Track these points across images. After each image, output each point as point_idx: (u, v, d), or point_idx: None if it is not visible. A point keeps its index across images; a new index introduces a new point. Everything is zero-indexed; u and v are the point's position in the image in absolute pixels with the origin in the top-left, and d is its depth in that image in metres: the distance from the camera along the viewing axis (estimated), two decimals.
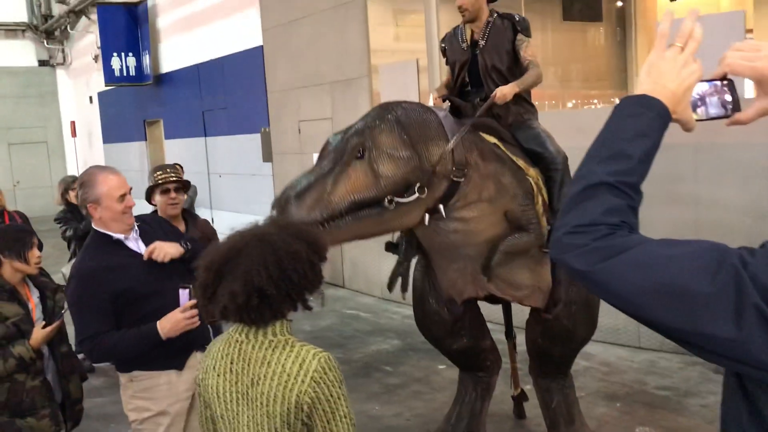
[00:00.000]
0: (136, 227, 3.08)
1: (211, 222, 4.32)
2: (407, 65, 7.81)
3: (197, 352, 3.07)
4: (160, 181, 4.01)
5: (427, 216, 3.30)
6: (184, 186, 4.12)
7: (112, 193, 2.94)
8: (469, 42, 3.83)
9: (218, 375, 2.02)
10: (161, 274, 2.99)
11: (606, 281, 1.10)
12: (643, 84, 1.24)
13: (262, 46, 10.14)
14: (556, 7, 10.79)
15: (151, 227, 3.17)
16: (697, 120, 1.27)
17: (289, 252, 1.96)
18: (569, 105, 10.17)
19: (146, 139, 15.16)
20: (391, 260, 8.30)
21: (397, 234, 3.89)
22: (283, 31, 9.55)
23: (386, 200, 3.06)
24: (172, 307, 2.91)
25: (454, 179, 3.23)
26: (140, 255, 2.99)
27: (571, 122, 5.97)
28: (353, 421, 1.97)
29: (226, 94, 11.52)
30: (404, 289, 4.07)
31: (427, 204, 3.23)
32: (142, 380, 3.02)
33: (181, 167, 4.52)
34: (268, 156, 10.25)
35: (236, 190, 11.16)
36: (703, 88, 1.25)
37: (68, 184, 6.10)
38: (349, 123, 8.71)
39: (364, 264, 8.55)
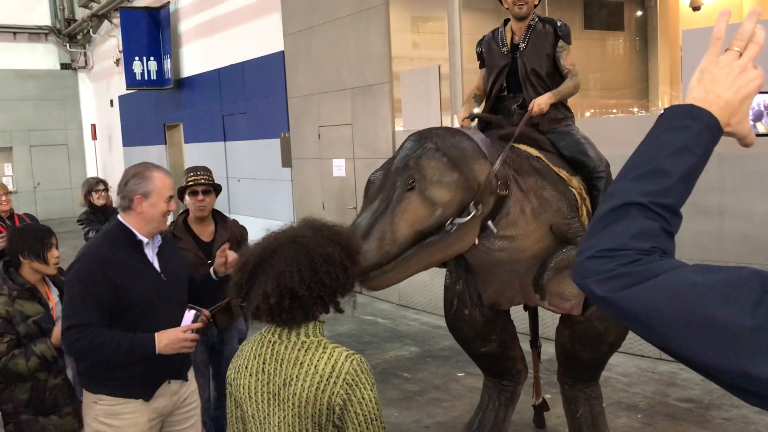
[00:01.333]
0: (159, 237, 3.02)
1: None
2: (429, 71, 7.81)
3: (170, 382, 3.00)
4: (190, 183, 4.08)
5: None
6: (214, 189, 4.14)
7: (162, 192, 2.90)
8: (509, 46, 3.83)
9: (250, 375, 2.03)
10: (164, 293, 2.92)
11: (632, 310, 0.98)
12: (692, 92, 1.10)
13: (283, 52, 10.20)
14: (577, 15, 10.78)
15: (166, 244, 3.09)
16: (759, 135, 1.15)
17: (322, 254, 1.96)
18: (587, 115, 10.13)
19: (166, 143, 15.27)
20: None
21: None
22: (304, 37, 9.60)
23: (447, 224, 3.08)
24: (167, 327, 2.82)
25: (500, 193, 3.24)
26: (152, 265, 2.93)
27: (591, 131, 5.95)
28: (384, 424, 1.97)
29: (247, 98, 11.59)
30: (464, 306, 4.02)
31: (481, 219, 3.25)
32: (107, 405, 2.88)
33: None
34: (287, 161, 10.29)
35: (255, 194, 11.21)
36: (765, 98, 1.15)
37: (92, 185, 6.14)
38: (369, 129, 8.77)
39: None
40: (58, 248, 3.47)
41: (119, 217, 2.96)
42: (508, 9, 3.83)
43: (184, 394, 3.09)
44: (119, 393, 2.87)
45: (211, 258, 3.80)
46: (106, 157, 19.09)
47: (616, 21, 12.39)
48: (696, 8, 11.70)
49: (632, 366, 5.68)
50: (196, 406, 3.19)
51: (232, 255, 3.10)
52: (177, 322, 2.86)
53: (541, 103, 3.56)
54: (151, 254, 2.95)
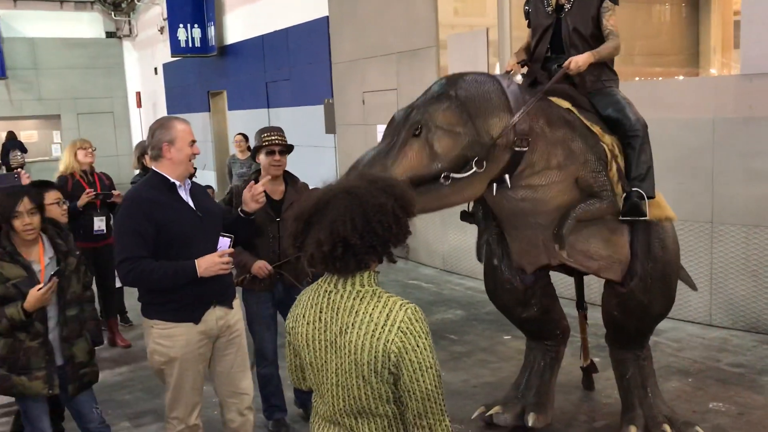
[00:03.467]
0: (189, 181, 3.36)
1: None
2: (476, 35, 7.70)
3: (216, 306, 3.31)
4: (265, 143, 4.15)
5: (494, 186, 3.31)
6: (288, 149, 4.25)
7: (185, 137, 3.24)
8: (554, 6, 3.77)
9: (308, 323, 2.05)
10: (201, 227, 3.26)
11: None
12: None
13: (327, 17, 10.15)
14: None
15: (197, 188, 3.44)
16: None
17: (375, 204, 1.97)
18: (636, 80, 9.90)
19: (210, 110, 15.40)
20: (453, 231, 8.30)
21: (471, 203, 3.87)
22: (349, 1, 9.53)
23: (442, 177, 3.09)
24: (205, 255, 3.18)
25: (517, 149, 3.21)
26: (187, 203, 3.28)
27: (635, 95, 5.82)
28: (439, 372, 1.98)
29: (290, 65, 11.59)
30: (479, 258, 4.09)
31: (489, 176, 3.24)
32: (161, 329, 3.24)
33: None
34: (331, 127, 10.29)
35: (298, 161, 11.17)
36: None
37: (144, 148, 6.28)
38: (414, 95, 8.68)
39: (425, 235, 8.54)
40: (41, 211, 3.38)
41: (153, 166, 3.33)
42: None
43: (230, 320, 3.40)
44: (170, 318, 3.22)
45: (280, 215, 4.14)
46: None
47: None
48: None
49: (682, 332, 5.61)
50: (241, 333, 3.48)
51: (258, 188, 3.48)
52: (214, 250, 3.24)
53: (579, 60, 3.51)
54: (185, 195, 3.30)
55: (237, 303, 3.48)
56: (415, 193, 3.00)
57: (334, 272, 2.02)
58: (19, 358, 3.29)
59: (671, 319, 5.68)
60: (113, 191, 5.99)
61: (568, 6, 3.73)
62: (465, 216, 3.98)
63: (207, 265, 3.14)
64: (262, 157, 4.18)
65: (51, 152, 19.04)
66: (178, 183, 3.26)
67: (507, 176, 3.27)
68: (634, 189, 3.48)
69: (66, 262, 3.43)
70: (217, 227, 3.36)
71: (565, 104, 3.54)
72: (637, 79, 8.51)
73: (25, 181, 4.77)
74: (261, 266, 4.07)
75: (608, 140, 3.56)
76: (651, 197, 3.52)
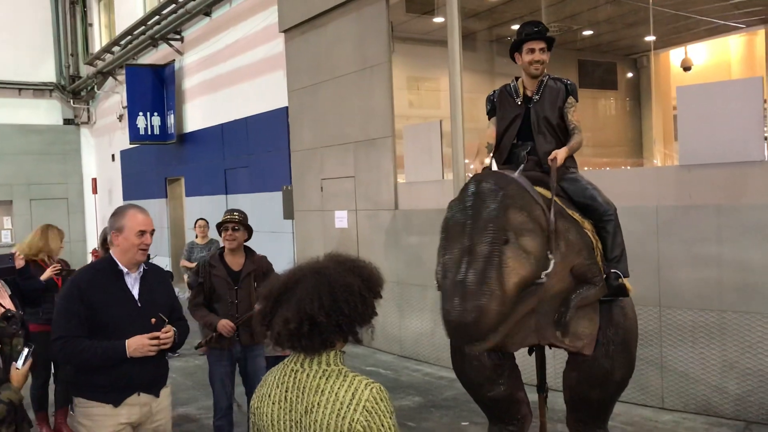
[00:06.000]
0: (142, 269, 3.46)
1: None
2: (431, 126, 8.01)
3: (140, 394, 3.37)
4: (225, 220, 4.92)
5: None
6: (245, 228, 4.95)
7: (134, 226, 3.37)
8: (522, 97, 4.13)
9: (273, 403, 2.09)
10: (137, 314, 3.36)
11: None
12: None
13: (287, 107, 10.43)
14: (571, 74, 11.08)
15: (154, 276, 3.54)
16: None
17: (342, 284, 2.05)
18: (585, 169, 10.33)
19: (167, 197, 15.41)
20: (411, 318, 8.32)
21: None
22: (309, 93, 9.84)
23: (543, 275, 3.24)
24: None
25: (550, 237, 3.40)
26: (129, 291, 3.38)
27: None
28: None
29: (249, 152, 11.78)
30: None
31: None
32: (82, 407, 3.34)
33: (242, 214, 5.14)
34: (289, 213, 10.41)
35: (257, 246, 11.21)
36: None
37: (105, 234, 6.33)
38: (371, 182, 8.98)
39: (383, 321, 8.57)
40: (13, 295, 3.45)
41: (110, 250, 3.48)
42: (524, 69, 4.15)
43: (155, 409, 3.44)
44: (92, 396, 3.30)
45: (238, 284, 4.84)
46: (106, 211, 19.17)
47: (609, 80, 12.74)
48: (687, 68, 12.07)
49: (635, 415, 5.69)
50: (164, 422, 3.53)
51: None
52: None
53: (561, 154, 3.80)
54: (131, 282, 3.41)
55: (165, 392, 3.52)
56: (520, 300, 3.13)
57: (300, 350, 2.07)
58: None
59: (624, 403, 5.77)
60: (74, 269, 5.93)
61: (536, 97, 4.09)
62: None
63: (136, 345, 3.26)
64: (223, 233, 4.90)
65: (0, 238, 18.67)
66: (125, 270, 3.38)
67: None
68: (613, 270, 3.72)
69: (11, 345, 3.40)
70: (157, 316, 3.41)
71: (548, 194, 3.70)
72: (586, 168, 8.88)
73: (19, 263, 4.75)
74: (224, 324, 4.68)
75: (588, 226, 3.80)
76: (627, 276, 3.79)
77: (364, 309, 2.09)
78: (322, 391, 2.01)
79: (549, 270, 3.28)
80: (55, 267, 5.74)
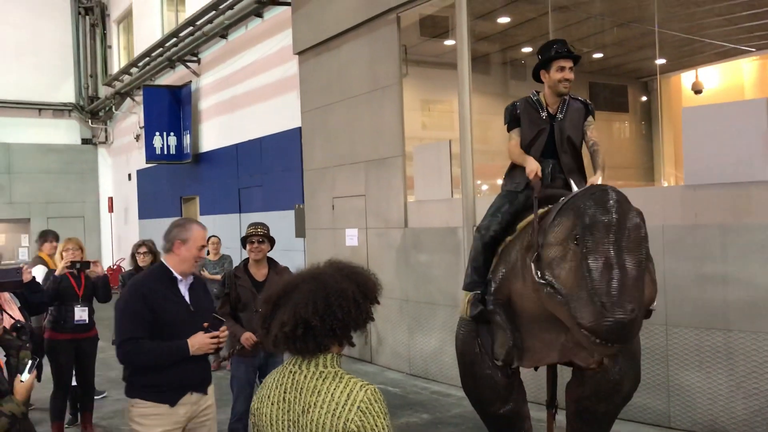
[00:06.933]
0: (192, 278, 3.74)
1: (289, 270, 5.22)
2: (440, 146, 8.11)
3: (192, 393, 3.60)
4: (249, 234, 5.18)
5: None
6: (269, 240, 5.19)
7: (197, 241, 3.64)
8: (547, 113, 4.20)
9: (272, 403, 2.16)
10: (191, 320, 3.60)
11: None
12: None
13: (300, 128, 10.58)
14: (582, 95, 11.15)
15: (199, 285, 3.81)
16: None
17: (337, 289, 2.12)
18: None
19: (182, 215, 15.58)
20: (420, 336, 8.36)
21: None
22: (321, 113, 9.99)
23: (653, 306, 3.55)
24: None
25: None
26: (183, 297, 3.63)
27: None
28: None
29: (263, 172, 11.93)
30: (486, 368, 4.14)
31: None
32: (139, 408, 3.52)
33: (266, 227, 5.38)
34: (301, 231, 10.51)
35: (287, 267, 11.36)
36: None
37: (137, 247, 6.61)
38: (381, 200, 9.05)
39: (392, 340, 8.62)
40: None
41: (162, 258, 3.71)
42: (550, 87, 4.20)
43: (203, 405, 3.68)
44: (149, 397, 3.50)
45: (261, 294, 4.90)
46: (121, 230, 19.42)
47: (620, 103, 12.78)
48: (698, 92, 12.10)
49: None
50: (212, 417, 3.77)
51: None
52: None
53: (599, 181, 3.89)
54: (183, 289, 3.65)
55: (211, 389, 3.76)
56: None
57: (295, 353, 2.14)
58: None
59: (631, 422, 5.78)
60: (91, 260, 6.10)
61: (560, 116, 4.16)
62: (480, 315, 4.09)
63: (199, 344, 3.51)
64: (248, 246, 5.14)
65: (18, 255, 18.91)
66: (179, 278, 3.61)
67: None
68: None
69: (18, 357, 3.55)
70: (206, 320, 3.67)
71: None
72: None
73: (27, 276, 4.84)
74: (248, 337, 4.87)
75: None
76: None
77: (358, 314, 2.15)
78: (318, 391, 2.08)
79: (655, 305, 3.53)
80: (66, 263, 5.83)
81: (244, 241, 5.24)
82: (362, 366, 8.78)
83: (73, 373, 6.07)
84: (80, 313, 5.90)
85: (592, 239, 3.19)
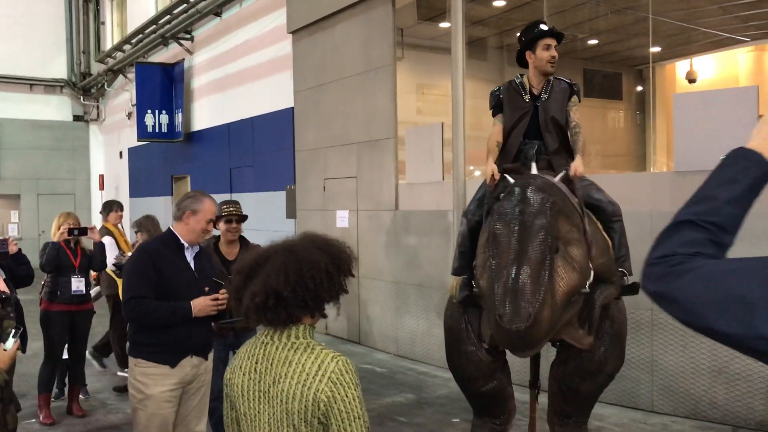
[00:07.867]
0: (198, 247, 3.91)
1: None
2: (432, 129, 8.07)
3: (193, 356, 3.74)
4: (224, 213, 4.92)
5: None
6: (242, 218, 5.05)
7: (207, 215, 3.79)
8: (530, 95, 4.16)
9: (244, 374, 2.14)
10: (195, 285, 3.75)
11: (676, 298, 1.19)
12: (751, 141, 1.31)
13: (293, 108, 10.52)
14: (576, 82, 11.12)
15: (204, 255, 3.98)
16: None
17: (309, 261, 2.10)
18: None
19: (172, 194, 15.52)
20: (407, 318, 8.35)
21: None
22: (314, 94, 9.93)
23: (587, 285, 3.35)
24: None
25: (589, 246, 3.48)
26: (189, 264, 3.79)
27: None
28: (367, 424, 2.06)
29: (255, 152, 11.87)
30: (470, 345, 4.13)
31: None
32: (141, 367, 3.65)
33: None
34: (291, 212, 10.48)
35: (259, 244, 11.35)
36: None
37: (139, 225, 6.55)
38: (373, 183, 8.94)
39: (381, 321, 8.62)
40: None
41: (171, 225, 3.86)
42: (537, 67, 4.17)
43: (202, 369, 3.83)
44: (151, 358, 3.65)
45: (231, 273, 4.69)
46: None
47: (615, 90, 12.76)
48: (692, 81, 12.08)
49: (625, 417, 5.70)
50: (207, 383, 3.92)
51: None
52: None
53: (580, 168, 3.83)
54: (189, 256, 3.81)
55: (210, 356, 3.91)
56: (565, 308, 3.19)
57: (266, 324, 2.12)
58: None
59: (614, 405, 5.80)
60: (88, 226, 6.11)
61: (544, 96, 4.12)
62: (467, 299, 4.06)
63: (201, 306, 3.66)
64: (221, 225, 4.91)
65: (7, 231, 18.84)
66: (186, 245, 3.78)
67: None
68: (620, 269, 3.81)
69: (2, 327, 3.49)
70: (208, 286, 3.83)
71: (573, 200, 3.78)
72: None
73: (13, 248, 4.81)
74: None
75: (600, 227, 3.87)
76: (631, 275, 3.89)
77: (331, 286, 2.13)
78: (289, 362, 2.06)
79: (591, 280, 3.36)
80: (63, 232, 5.82)
81: (217, 220, 5.06)
82: (351, 346, 8.79)
83: (65, 347, 6.06)
84: (77, 284, 5.89)
85: (494, 247, 3.25)
